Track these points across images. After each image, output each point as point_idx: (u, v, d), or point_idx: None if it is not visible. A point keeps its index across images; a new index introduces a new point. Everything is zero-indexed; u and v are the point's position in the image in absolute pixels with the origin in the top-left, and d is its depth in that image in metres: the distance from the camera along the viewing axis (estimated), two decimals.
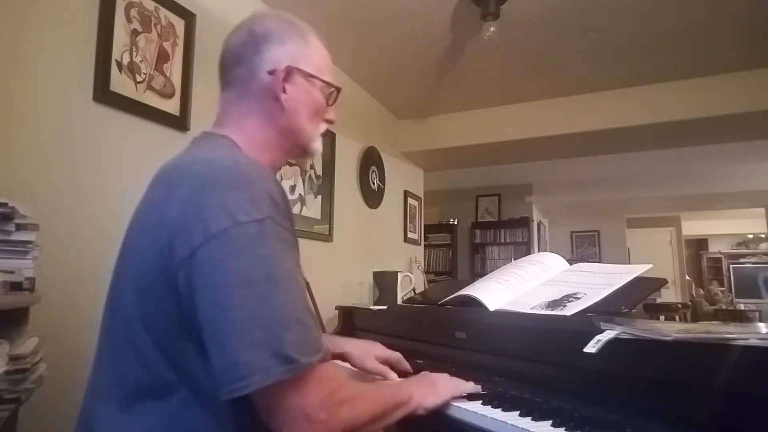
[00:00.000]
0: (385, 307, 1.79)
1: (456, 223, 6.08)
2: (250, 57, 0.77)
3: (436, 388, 0.85)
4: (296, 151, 0.83)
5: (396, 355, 1.09)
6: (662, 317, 4.84)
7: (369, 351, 1.06)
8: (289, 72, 0.77)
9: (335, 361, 1.05)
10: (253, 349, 0.54)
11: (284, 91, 0.77)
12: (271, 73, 0.76)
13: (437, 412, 0.84)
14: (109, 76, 1.44)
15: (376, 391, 0.76)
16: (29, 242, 0.90)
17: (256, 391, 0.54)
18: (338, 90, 0.83)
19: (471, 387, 0.92)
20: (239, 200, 0.60)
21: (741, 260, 9.35)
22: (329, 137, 2.67)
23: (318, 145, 0.84)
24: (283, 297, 0.58)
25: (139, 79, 1.54)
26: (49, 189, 1.29)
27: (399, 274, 2.41)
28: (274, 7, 2.10)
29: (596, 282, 1.07)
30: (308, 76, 0.79)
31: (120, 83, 1.48)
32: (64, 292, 1.25)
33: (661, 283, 1.10)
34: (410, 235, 3.73)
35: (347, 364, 1.06)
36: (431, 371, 0.94)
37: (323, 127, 0.84)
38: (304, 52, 0.79)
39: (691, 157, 4.29)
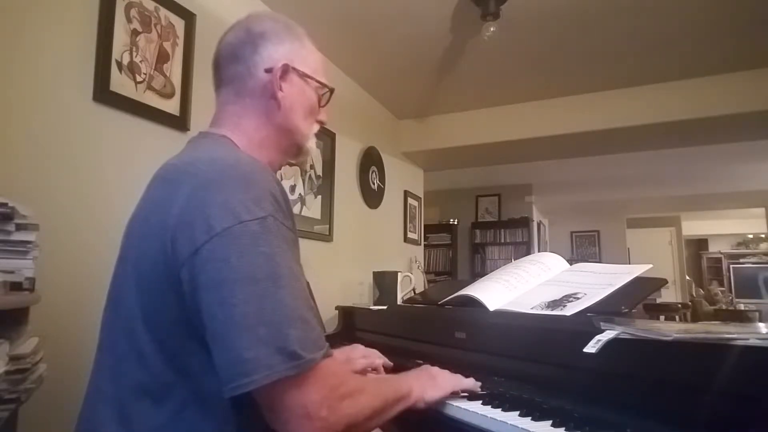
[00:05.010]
0: (385, 307, 1.80)
1: (456, 223, 6.08)
2: (247, 55, 0.78)
3: (436, 382, 0.86)
4: (292, 150, 0.84)
5: (375, 353, 1.10)
6: (662, 317, 4.85)
7: (350, 354, 1.07)
8: (286, 70, 0.78)
9: None
10: (258, 346, 0.54)
11: (281, 89, 0.78)
12: (269, 71, 0.77)
13: (437, 411, 0.85)
14: (109, 76, 1.44)
15: (377, 385, 0.76)
16: (29, 242, 0.90)
17: (259, 387, 0.54)
18: (331, 91, 0.86)
19: (471, 383, 0.92)
20: (242, 199, 0.61)
21: (741, 260, 9.35)
22: (329, 137, 2.67)
23: (312, 145, 0.86)
24: (286, 294, 0.58)
25: (139, 79, 1.54)
26: (49, 189, 1.29)
27: (399, 274, 2.40)
28: (274, 7, 2.10)
29: (596, 282, 1.07)
30: (304, 76, 0.81)
31: (120, 83, 1.48)
32: (64, 292, 1.25)
33: (661, 283, 1.10)
34: (410, 235, 3.73)
35: None
36: None
37: (315, 127, 0.86)
38: (300, 52, 0.81)
39: (691, 157, 4.30)
